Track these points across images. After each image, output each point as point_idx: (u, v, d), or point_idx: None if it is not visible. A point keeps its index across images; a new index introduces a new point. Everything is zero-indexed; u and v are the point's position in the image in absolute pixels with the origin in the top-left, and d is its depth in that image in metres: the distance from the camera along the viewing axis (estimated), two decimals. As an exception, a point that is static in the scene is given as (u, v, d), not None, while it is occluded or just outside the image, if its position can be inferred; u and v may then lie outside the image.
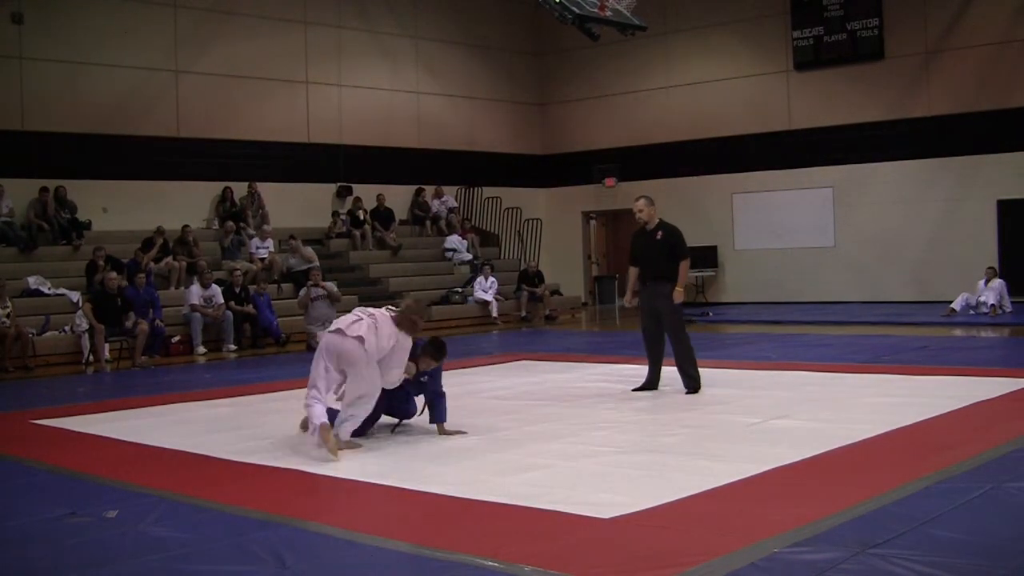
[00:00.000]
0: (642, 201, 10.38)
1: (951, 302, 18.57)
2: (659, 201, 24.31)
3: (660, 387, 10.28)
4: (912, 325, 17.70)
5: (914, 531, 5.11)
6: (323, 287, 17.04)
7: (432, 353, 8.09)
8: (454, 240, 23.53)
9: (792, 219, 23.70)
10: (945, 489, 5.94)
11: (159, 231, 18.62)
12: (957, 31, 21.74)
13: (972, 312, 18.29)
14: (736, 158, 24.39)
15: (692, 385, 10.10)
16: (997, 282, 18.61)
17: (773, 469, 6.61)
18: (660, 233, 10.24)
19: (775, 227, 23.93)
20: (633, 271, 10.48)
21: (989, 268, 19.01)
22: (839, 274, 23.08)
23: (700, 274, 24.68)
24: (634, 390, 10.35)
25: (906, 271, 22.27)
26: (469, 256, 23.37)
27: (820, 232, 23.43)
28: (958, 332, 16.80)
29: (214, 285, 17.27)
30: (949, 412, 8.57)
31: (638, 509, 5.69)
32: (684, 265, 10.19)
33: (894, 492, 5.88)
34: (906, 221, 22.21)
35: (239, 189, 21.01)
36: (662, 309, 10.15)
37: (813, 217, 23.48)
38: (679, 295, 10.10)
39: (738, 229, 24.57)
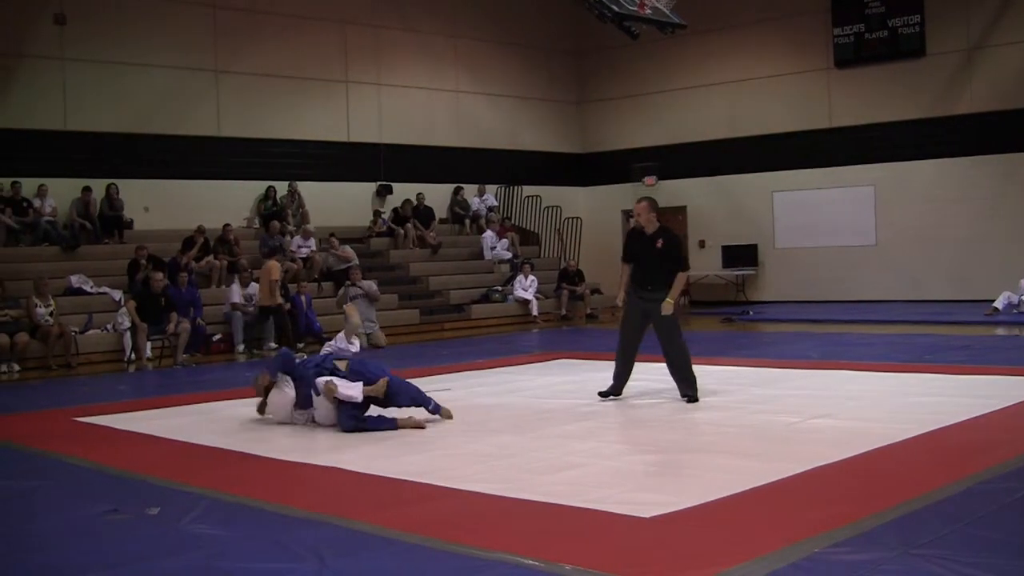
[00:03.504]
0: (644, 204, 9.87)
1: (993, 301, 18.34)
2: (700, 199, 25.14)
3: (703, 391, 9.88)
4: (954, 324, 17.48)
5: (957, 532, 5.07)
6: (361, 286, 17.06)
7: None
8: (489, 237, 23.44)
9: (833, 218, 23.52)
10: (988, 490, 5.89)
11: (200, 230, 18.72)
12: (999, 27, 21.49)
13: (1015, 311, 18.07)
14: (776, 156, 24.23)
15: (692, 393, 9.66)
16: (1040, 281, 18.38)
17: (814, 468, 6.57)
18: (661, 241, 9.73)
19: (816, 226, 23.76)
20: (626, 268, 10.03)
21: (1032, 267, 18.80)
22: (880, 273, 22.87)
23: (740, 272, 24.59)
24: (601, 394, 10.00)
25: (948, 269, 22.04)
26: (508, 255, 23.33)
27: (861, 231, 23.24)
28: (1000, 331, 16.62)
29: (255, 284, 17.35)
30: (992, 412, 8.49)
31: (678, 508, 5.68)
32: (681, 277, 9.72)
33: (936, 492, 5.83)
34: (948, 219, 21.98)
35: (279, 188, 21.13)
36: (657, 316, 9.66)
37: (854, 216, 23.29)
38: (668, 307, 9.59)
39: (779, 227, 24.43)
